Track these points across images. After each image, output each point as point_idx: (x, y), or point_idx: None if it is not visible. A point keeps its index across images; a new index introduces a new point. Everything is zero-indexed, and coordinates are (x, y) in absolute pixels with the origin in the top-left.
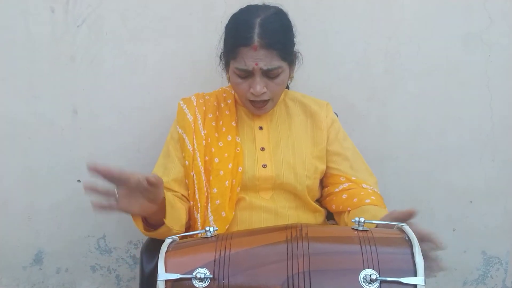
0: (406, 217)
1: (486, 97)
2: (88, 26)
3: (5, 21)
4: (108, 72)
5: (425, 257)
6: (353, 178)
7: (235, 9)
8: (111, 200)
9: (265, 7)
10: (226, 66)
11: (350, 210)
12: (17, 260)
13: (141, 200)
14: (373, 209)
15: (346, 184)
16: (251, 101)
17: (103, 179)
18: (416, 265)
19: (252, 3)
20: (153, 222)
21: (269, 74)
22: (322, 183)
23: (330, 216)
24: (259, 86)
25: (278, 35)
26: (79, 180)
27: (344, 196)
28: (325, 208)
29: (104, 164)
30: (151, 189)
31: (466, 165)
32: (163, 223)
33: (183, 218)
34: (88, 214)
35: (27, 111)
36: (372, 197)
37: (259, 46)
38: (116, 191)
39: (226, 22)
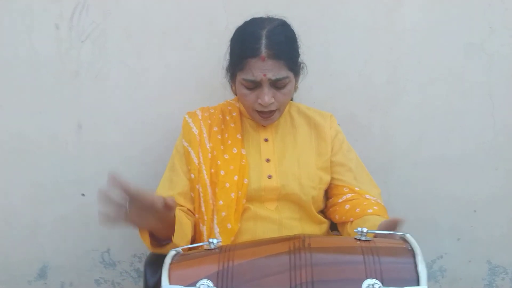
0: (392, 226)
1: (488, 106)
2: (92, 41)
3: (10, 38)
4: (112, 87)
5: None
6: (357, 189)
7: (236, 22)
8: (120, 213)
9: (270, 19)
10: (232, 78)
11: (352, 221)
12: (22, 274)
13: (150, 217)
14: (374, 219)
15: (349, 194)
16: (258, 112)
17: (119, 191)
18: (419, 274)
19: (254, 16)
20: (160, 236)
21: (276, 85)
22: (326, 194)
23: (333, 227)
24: (267, 97)
25: (285, 46)
26: (83, 194)
27: (347, 206)
28: (329, 219)
29: (124, 179)
30: (164, 211)
31: (469, 174)
32: (170, 239)
33: (189, 233)
34: (92, 228)
35: (32, 126)
36: (374, 207)
37: (267, 56)
38: (127, 204)
39: (229, 35)
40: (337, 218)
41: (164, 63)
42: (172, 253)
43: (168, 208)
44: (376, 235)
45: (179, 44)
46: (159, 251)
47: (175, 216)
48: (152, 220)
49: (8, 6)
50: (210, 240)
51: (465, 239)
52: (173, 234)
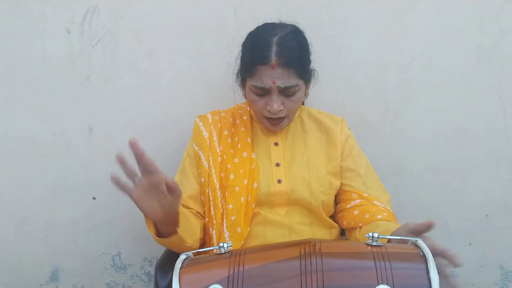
0: (423, 229)
1: (500, 110)
2: (103, 45)
3: (22, 42)
4: (123, 91)
5: (440, 273)
6: (365, 195)
7: (247, 27)
8: (129, 182)
9: (282, 25)
10: (243, 83)
11: (361, 226)
12: (33, 278)
13: (155, 202)
14: (386, 224)
15: (358, 200)
16: (267, 118)
17: (135, 157)
18: (431, 281)
19: (264, 21)
20: (164, 231)
21: (286, 92)
22: (335, 199)
23: (341, 233)
24: (276, 104)
25: (295, 54)
26: (94, 198)
27: (356, 212)
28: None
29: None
30: (168, 196)
31: (481, 178)
32: (175, 233)
33: (198, 233)
34: (103, 231)
35: (44, 130)
36: (384, 214)
37: (277, 64)
38: (138, 177)
39: (239, 39)
40: (345, 223)
41: (174, 67)
42: (182, 257)
43: (170, 189)
44: (388, 240)
45: (189, 49)
46: (165, 243)
47: (179, 213)
48: (156, 205)
49: (21, 11)
50: (221, 244)
51: (477, 244)
52: (178, 227)
